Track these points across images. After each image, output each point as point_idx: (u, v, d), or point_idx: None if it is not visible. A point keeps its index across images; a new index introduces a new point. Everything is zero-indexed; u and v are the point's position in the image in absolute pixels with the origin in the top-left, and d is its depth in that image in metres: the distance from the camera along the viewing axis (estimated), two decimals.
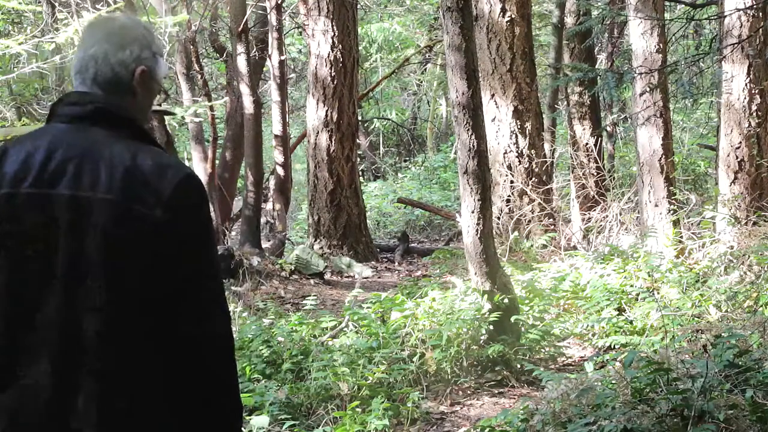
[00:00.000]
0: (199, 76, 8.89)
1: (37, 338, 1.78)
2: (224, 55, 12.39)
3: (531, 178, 8.35)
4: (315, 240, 10.25)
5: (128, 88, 1.87)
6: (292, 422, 3.95)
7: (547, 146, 9.22)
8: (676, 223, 6.68)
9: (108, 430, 1.75)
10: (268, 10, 10.41)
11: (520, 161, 8.36)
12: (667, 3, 7.74)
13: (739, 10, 6.08)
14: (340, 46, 10.14)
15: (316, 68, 10.23)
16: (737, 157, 6.40)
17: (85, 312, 1.75)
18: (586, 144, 9.46)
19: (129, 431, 1.76)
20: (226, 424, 1.80)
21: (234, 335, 1.86)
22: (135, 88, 1.88)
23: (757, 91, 6.33)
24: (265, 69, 12.02)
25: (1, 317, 1.79)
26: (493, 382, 4.92)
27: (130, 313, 1.76)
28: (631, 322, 5.30)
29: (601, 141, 9.84)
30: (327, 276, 9.19)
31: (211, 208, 8.61)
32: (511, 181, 8.28)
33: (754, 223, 6.14)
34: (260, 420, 3.61)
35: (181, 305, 1.76)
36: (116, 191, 1.76)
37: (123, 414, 1.75)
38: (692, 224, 6.73)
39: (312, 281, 8.86)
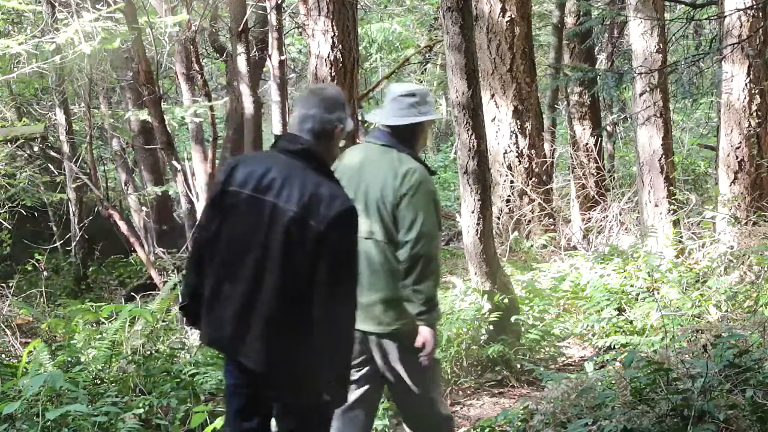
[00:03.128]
0: (199, 76, 8.88)
1: (232, 287, 2.87)
2: (224, 55, 12.39)
3: (531, 178, 8.35)
4: None
5: (327, 138, 2.93)
6: None
7: (547, 146, 9.21)
8: (676, 223, 6.67)
9: (265, 357, 2.82)
10: (268, 10, 10.39)
11: (520, 161, 8.35)
12: (667, 3, 7.73)
13: (739, 10, 6.08)
14: (340, 46, 10.12)
15: (316, 68, 10.21)
16: (737, 157, 6.40)
17: (266, 278, 2.81)
18: (586, 144, 9.45)
19: (279, 359, 2.82)
20: (334, 356, 2.79)
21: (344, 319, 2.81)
22: (332, 139, 2.95)
23: (757, 91, 6.33)
24: (265, 69, 12.01)
25: (215, 270, 2.92)
26: (493, 382, 4.92)
27: (291, 286, 2.78)
28: (631, 322, 5.30)
29: (601, 141, 9.83)
30: None
31: None
32: (511, 181, 8.28)
33: (754, 223, 6.14)
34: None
35: (318, 292, 2.75)
36: (300, 207, 2.79)
37: (277, 347, 2.81)
38: (692, 224, 6.73)
39: None
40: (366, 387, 3.52)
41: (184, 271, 3.09)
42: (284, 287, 2.81)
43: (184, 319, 3.21)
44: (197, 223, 3.35)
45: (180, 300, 3.26)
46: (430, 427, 3.56)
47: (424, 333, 3.40)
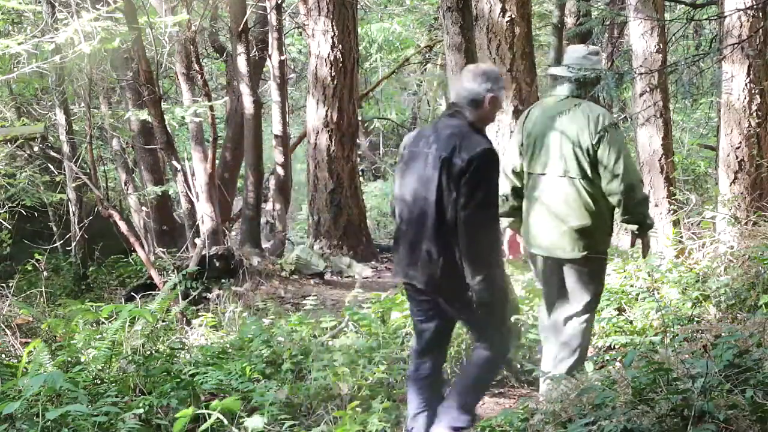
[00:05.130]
0: (199, 76, 8.88)
1: (407, 228, 3.83)
2: (224, 55, 12.40)
3: None
4: (315, 240, 10.24)
5: (478, 104, 3.81)
6: (292, 422, 3.96)
7: None
8: (676, 223, 6.67)
9: (425, 278, 3.76)
10: (268, 10, 10.40)
11: None
12: (667, 3, 7.73)
13: (739, 10, 6.07)
14: (340, 46, 10.13)
15: (316, 68, 10.23)
16: (737, 157, 6.39)
17: (427, 215, 3.72)
18: None
19: (440, 275, 3.72)
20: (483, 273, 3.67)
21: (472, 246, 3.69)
22: (482, 106, 3.81)
23: (757, 91, 6.33)
24: (265, 69, 12.02)
25: (398, 217, 3.90)
26: (493, 382, 4.92)
27: (443, 219, 3.68)
28: (631, 322, 5.30)
29: None
30: (327, 276, 9.18)
31: (212, 208, 8.63)
32: None
33: (754, 223, 6.13)
34: (254, 421, 3.62)
35: (460, 218, 3.63)
36: (449, 151, 3.69)
37: (439, 264, 3.71)
38: (692, 224, 6.73)
39: (312, 281, 8.86)
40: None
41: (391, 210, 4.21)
42: (438, 221, 3.69)
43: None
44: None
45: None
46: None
47: (647, 240, 4.30)
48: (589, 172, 4.10)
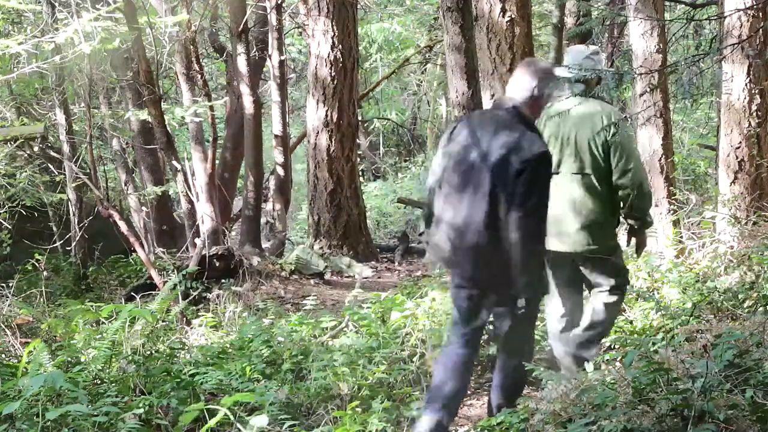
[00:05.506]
0: (199, 76, 8.88)
1: (452, 218, 3.83)
2: (224, 55, 12.39)
3: None
4: (315, 240, 10.24)
5: (532, 100, 3.86)
6: (292, 422, 3.95)
7: None
8: (676, 223, 6.67)
9: (471, 269, 3.85)
10: (268, 10, 10.40)
11: None
12: (667, 3, 7.73)
13: (739, 10, 6.07)
14: (340, 46, 10.13)
15: (316, 68, 10.23)
16: (737, 157, 6.39)
17: (475, 209, 3.75)
18: None
19: (486, 268, 3.81)
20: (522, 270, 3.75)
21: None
22: (537, 102, 3.87)
23: (757, 91, 6.33)
24: (265, 69, 12.01)
25: (440, 206, 3.91)
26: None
27: (494, 215, 3.72)
28: (631, 322, 5.30)
29: None
30: (327, 276, 9.18)
31: (212, 208, 8.63)
32: None
33: (754, 223, 6.13)
34: (259, 420, 3.61)
35: (513, 218, 3.68)
36: (506, 149, 3.73)
37: (480, 262, 3.80)
38: (692, 224, 6.73)
39: (312, 281, 8.86)
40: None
41: (425, 202, 4.20)
42: (488, 215, 3.74)
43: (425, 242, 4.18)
44: (431, 169, 4.18)
45: (422, 223, 4.26)
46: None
47: (643, 238, 4.51)
48: (602, 168, 4.31)
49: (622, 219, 4.50)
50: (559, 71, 4.37)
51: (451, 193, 3.87)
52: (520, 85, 3.88)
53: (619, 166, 4.29)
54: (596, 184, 4.33)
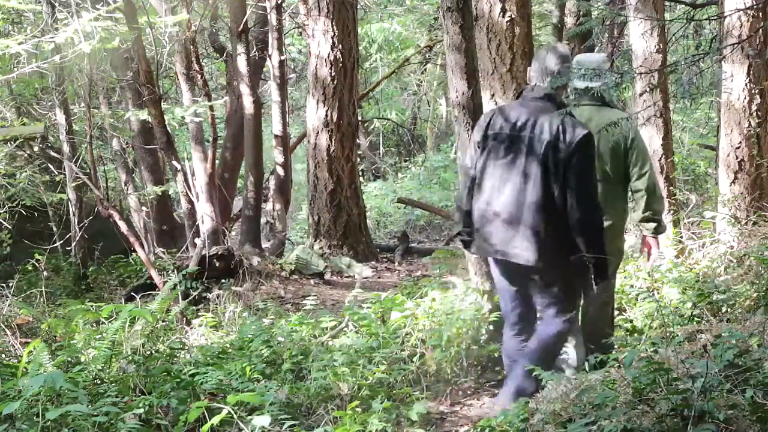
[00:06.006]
0: (199, 76, 8.88)
1: (500, 206, 4.05)
2: (224, 55, 12.38)
3: None
4: (315, 240, 10.24)
5: (563, 86, 4.13)
6: (292, 422, 3.95)
7: None
8: (676, 223, 6.67)
9: (530, 254, 4.01)
10: (268, 10, 10.40)
11: None
12: (667, 3, 7.72)
13: (739, 10, 6.07)
14: (340, 46, 10.13)
15: (316, 68, 10.22)
16: (737, 157, 6.39)
17: (527, 195, 3.98)
18: None
19: (544, 251, 4.00)
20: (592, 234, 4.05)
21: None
22: (563, 86, 4.11)
23: (757, 91, 6.33)
24: (265, 69, 12.01)
25: (484, 196, 4.11)
26: (493, 382, 4.92)
27: (548, 198, 3.96)
28: (631, 322, 5.30)
29: None
30: (327, 276, 9.18)
31: (212, 208, 8.63)
32: None
33: (754, 223, 6.14)
34: (261, 420, 3.61)
35: (570, 199, 3.94)
36: (553, 136, 3.96)
37: (538, 244, 3.99)
38: (692, 224, 6.73)
39: (312, 281, 8.85)
40: None
41: (457, 203, 4.42)
42: (542, 199, 3.96)
43: (461, 241, 4.36)
44: (464, 164, 4.36)
45: (455, 225, 4.42)
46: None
47: (654, 242, 4.68)
48: (623, 173, 4.56)
49: (632, 225, 4.73)
50: (580, 83, 4.56)
51: (499, 185, 4.06)
52: (545, 72, 4.12)
53: (635, 169, 4.52)
54: (618, 188, 4.57)
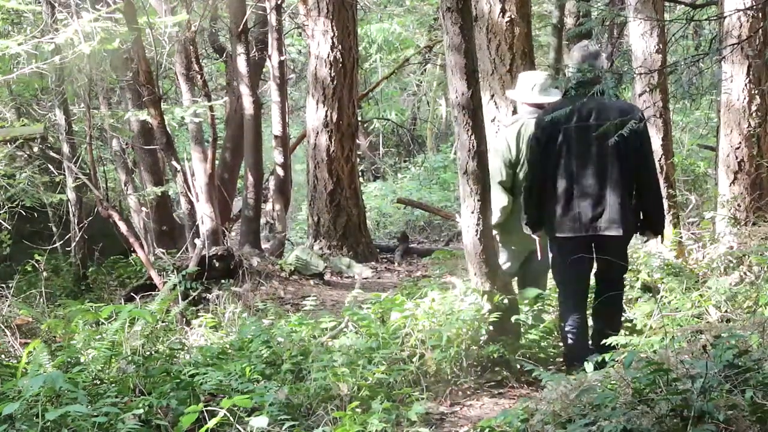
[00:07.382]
0: (199, 77, 8.88)
1: (585, 188, 4.73)
2: (224, 55, 12.39)
3: None
4: (315, 240, 10.24)
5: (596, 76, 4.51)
6: (292, 423, 3.95)
7: None
8: (676, 223, 6.67)
9: (620, 224, 4.71)
10: (268, 11, 10.40)
11: None
12: (667, 3, 7.72)
13: (739, 10, 6.07)
14: (340, 46, 10.13)
15: (315, 69, 10.23)
16: (737, 158, 6.39)
17: (608, 175, 4.71)
18: None
19: (629, 218, 4.76)
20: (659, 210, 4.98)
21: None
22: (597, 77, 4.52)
23: (756, 92, 6.33)
24: (265, 69, 12.01)
25: (564, 186, 4.77)
26: (493, 383, 4.92)
27: (627, 171, 4.73)
28: (631, 322, 5.30)
29: None
30: (327, 276, 9.18)
31: (211, 209, 8.63)
32: None
33: (754, 224, 6.14)
34: (259, 421, 3.61)
35: (643, 169, 4.79)
36: (619, 118, 4.45)
37: (626, 214, 4.73)
38: (692, 225, 6.73)
39: (312, 282, 8.85)
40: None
41: (527, 200, 5.00)
42: (621, 174, 4.67)
43: (535, 232, 5.03)
44: (531, 164, 4.93)
45: (528, 221, 4.99)
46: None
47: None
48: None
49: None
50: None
51: (577, 172, 4.73)
52: (592, 66, 4.71)
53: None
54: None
